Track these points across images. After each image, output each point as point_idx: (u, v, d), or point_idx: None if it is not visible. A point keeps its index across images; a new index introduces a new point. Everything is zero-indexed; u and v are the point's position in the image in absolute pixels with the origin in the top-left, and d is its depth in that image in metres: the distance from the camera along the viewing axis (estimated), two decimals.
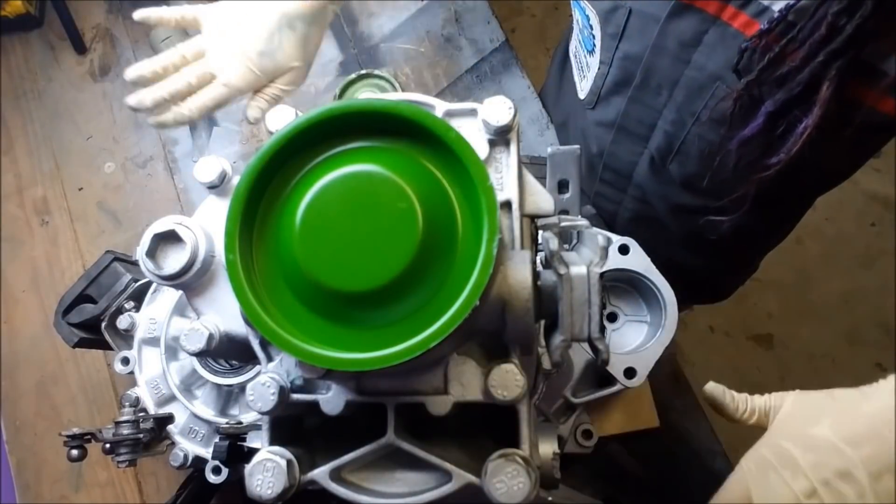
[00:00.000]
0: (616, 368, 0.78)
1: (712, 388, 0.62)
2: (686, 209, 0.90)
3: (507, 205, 0.48)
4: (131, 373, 0.82)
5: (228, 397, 0.81)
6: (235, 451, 0.71)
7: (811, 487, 0.51)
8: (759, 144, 0.68)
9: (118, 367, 0.82)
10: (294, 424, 0.50)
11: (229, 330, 0.51)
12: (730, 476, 0.57)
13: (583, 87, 0.92)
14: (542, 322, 0.52)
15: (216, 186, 0.53)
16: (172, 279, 0.50)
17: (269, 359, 0.48)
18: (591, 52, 0.86)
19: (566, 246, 0.62)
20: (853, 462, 0.51)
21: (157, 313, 0.83)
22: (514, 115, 0.47)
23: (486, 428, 0.50)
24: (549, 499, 0.58)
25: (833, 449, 0.52)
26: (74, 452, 0.70)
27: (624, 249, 0.81)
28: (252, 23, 0.79)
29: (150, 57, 0.80)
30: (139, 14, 0.82)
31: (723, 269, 1.07)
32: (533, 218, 0.50)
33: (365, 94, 1.06)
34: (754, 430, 0.63)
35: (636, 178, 0.92)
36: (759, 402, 0.59)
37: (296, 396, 0.46)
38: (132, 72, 0.80)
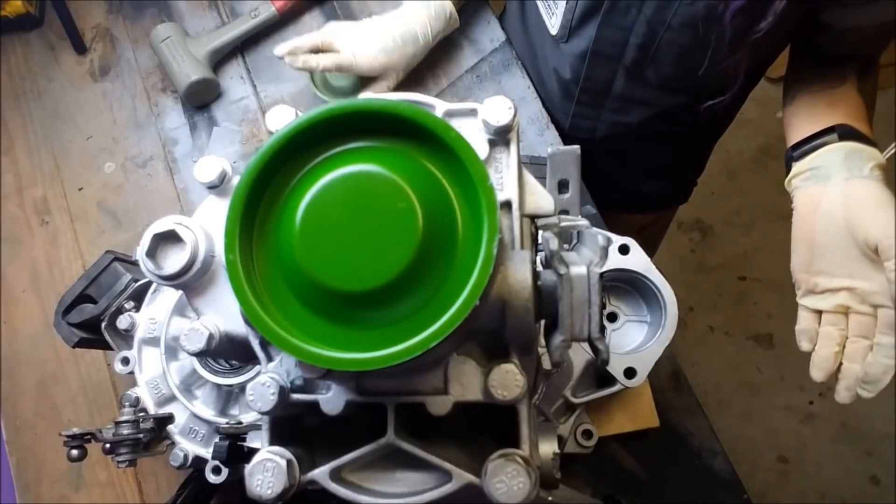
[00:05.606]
0: (616, 368, 0.78)
1: None
2: (664, 109, 0.96)
3: (507, 205, 0.48)
4: (131, 373, 0.82)
5: (228, 397, 0.81)
6: (235, 451, 0.71)
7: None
8: (749, 11, 0.74)
9: (118, 367, 0.82)
10: (294, 424, 0.50)
11: (229, 330, 0.51)
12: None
13: (553, 24, 0.98)
14: (542, 322, 0.52)
15: (216, 186, 0.53)
16: (172, 279, 0.50)
17: (269, 359, 0.48)
18: None
19: (566, 246, 0.63)
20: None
21: (157, 313, 0.83)
22: (514, 115, 0.47)
23: (486, 428, 0.50)
24: (549, 499, 0.58)
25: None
26: (74, 452, 0.70)
27: (624, 249, 0.81)
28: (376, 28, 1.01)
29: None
30: (280, 50, 1.00)
31: (688, 157, 1.20)
32: (533, 218, 0.50)
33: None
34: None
35: (614, 92, 0.98)
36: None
37: (296, 396, 0.46)
38: (282, 48, 1.00)
